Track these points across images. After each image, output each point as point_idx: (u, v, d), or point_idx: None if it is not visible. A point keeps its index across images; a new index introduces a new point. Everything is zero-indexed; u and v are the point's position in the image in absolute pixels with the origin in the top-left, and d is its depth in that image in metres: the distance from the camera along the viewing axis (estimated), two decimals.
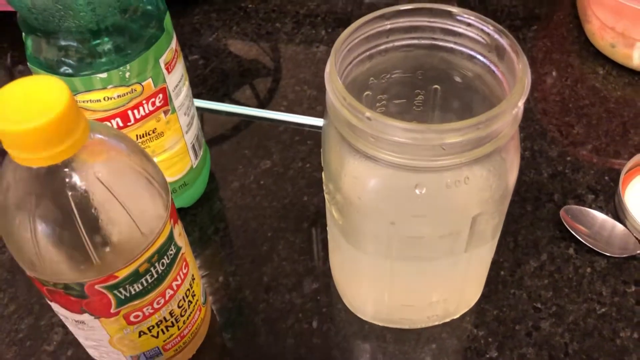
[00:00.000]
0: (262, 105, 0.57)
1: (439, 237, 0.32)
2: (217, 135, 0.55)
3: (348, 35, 0.32)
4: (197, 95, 0.58)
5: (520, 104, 0.29)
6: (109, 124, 0.38)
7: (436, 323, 0.40)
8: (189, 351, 0.39)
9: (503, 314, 0.42)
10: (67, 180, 0.27)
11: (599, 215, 0.46)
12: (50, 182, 0.27)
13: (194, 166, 0.46)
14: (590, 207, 0.47)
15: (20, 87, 0.26)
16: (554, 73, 0.59)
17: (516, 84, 0.29)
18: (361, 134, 0.29)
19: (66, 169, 0.27)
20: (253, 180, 0.51)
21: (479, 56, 0.33)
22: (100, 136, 0.29)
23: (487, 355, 0.40)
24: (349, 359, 0.40)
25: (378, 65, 0.35)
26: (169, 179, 0.44)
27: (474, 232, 0.33)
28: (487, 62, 0.33)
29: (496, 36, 0.31)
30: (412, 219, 0.31)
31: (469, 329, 0.41)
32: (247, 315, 0.43)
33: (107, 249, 0.29)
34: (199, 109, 0.57)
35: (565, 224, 0.46)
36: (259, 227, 0.48)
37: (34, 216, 0.28)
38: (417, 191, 0.30)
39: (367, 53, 0.34)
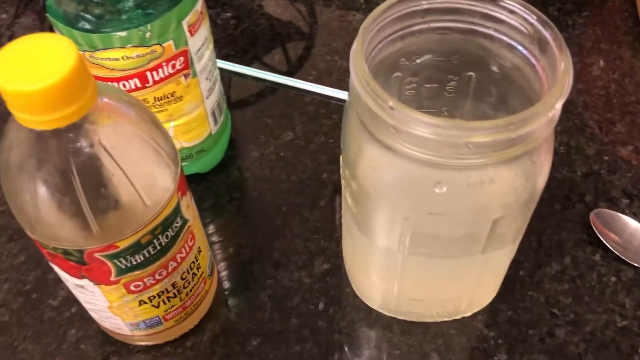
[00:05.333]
0: (290, 72, 0.55)
1: (455, 237, 0.31)
2: (240, 100, 0.53)
3: (380, 13, 0.30)
4: (225, 56, 0.57)
5: (558, 106, 0.26)
6: (126, 83, 0.37)
7: (445, 319, 0.39)
8: (190, 322, 0.39)
9: (517, 316, 0.40)
10: (70, 145, 0.26)
11: (632, 223, 0.44)
12: (53, 146, 0.26)
13: (213, 132, 0.44)
14: (623, 212, 0.45)
15: (27, 44, 0.25)
16: (601, 64, 0.55)
17: (556, 83, 0.26)
18: (382, 124, 0.27)
19: (70, 134, 0.26)
20: (273, 151, 0.49)
21: (519, 47, 0.31)
22: (108, 100, 0.28)
23: (496, 358, 0.38)
24: (352, 346, 0.39)
25: (410, 47, 0.33)
26: (186, 144, 0.43)
27: (494, 234, 0.31)
28: (528, 54, 0.30)
29: (540, 27, 0.29)
30: (428, 216, 0.30)
31: (479, 328, 0.40)
32: (254, 290, 0.42)
33: (108, 219, 0.28)
34: (225, 71, 0.55)
35: (594, 228, 0.43)
36: (274, 200, 0.46)
37: (34, 179, 0.27)
38: (437, 189, 0.28)
39: (400, 33, 0.32)
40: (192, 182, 0.47)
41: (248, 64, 0.56)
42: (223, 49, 0.57)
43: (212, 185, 0.47)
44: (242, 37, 0.59)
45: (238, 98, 0.54)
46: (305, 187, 0.47)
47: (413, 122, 0.26)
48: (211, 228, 0.46)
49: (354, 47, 0.29)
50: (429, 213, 0.29)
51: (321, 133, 0.50)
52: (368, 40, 0.29)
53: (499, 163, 0.27)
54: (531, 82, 0.31)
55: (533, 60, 0.30)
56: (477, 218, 0.30)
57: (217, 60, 0.54)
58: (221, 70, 0.54)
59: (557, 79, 0.27)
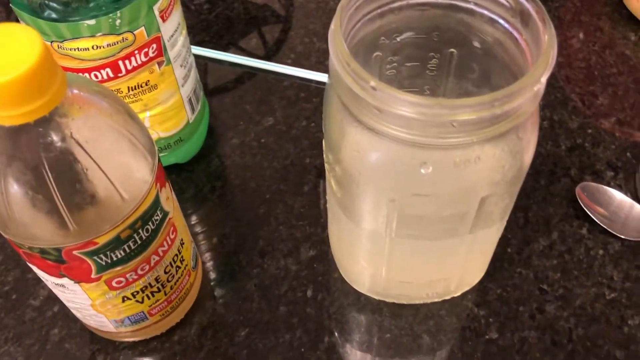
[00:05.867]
0: (268, 56, 0.54)
1: (442, 217, 0.30)
2: (218, 87, 0.52)
3: None
4: (199, 42, 0.55)
5: (544, 80, 0.26)
6: (98, 74, 0.36)
7: (435, 300, 0.39)
8: (176, 315, 0.38)
9: (507, 293, 0.40)
10: (40, 140, 0.25)
11: (617, 195, 0.43)
12: (23, 142, 0.25)
13: (191, 121, 0.43)
14: (608, 184, 0.45)
15: None
16: (581, 37, 0.55)
17: (540, 56, 0.26)
18: (364, 105, 0.26)
19: (40, 129, 0.25)
20: (254, 138, 0.48)
21: (501, 20, 0.30)
22: (79, 92, 0.26)
23: (487, 337, 0.38)
24: (342, 331, 0.39)
25: (390, 24, 0.32)
26: (163, 134, 0.42)
27: (481, 213, 0.30)
28: (510, 28, 0.29)
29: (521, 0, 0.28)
30: (415, 197, 0.29)
31: (469, 307, 0.39)
32: (240, 280, 0.41)
33: (85, 215, 0.27)
34: (201, 57, 0.54)
35: (580, 202, 0.43)
36: (257, 187, 0.46)
37: (5, 177, 0.26)
38: (423, 170, 0.27)
39: (379, 10, 0.31)
40: (172, 173, 0.46)
41: (224, 49, 0.55)
42: (197, 35, 0.56)
43: (192, 175, 0.46)
44: (216, 22, 0.57)
45: (215, 85, 0.52)
46: (288, 174, 0.46)
47: (396, 102, 0.25)
48: (194, 219, 0.45)
49: (332, 26, 0.28)
50: (415, 194, 0.29)
51: (302, 117, 0.49)
52: (346, 19, 0.28)
53: (484, 141, 0.26)
54: (514, 57, 0.30)
55: (515, 34, 0.29)
56: (464, 197, 0.29)
57: (192, 46, 0.53)
58: (196, 57, 0.53)
59: (541, 52, 0.26)
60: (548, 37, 0.26)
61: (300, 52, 0.54)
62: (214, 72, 0.53)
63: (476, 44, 0.32)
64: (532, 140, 0.29)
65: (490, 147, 0.27)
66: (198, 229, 0.44)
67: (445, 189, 0.29)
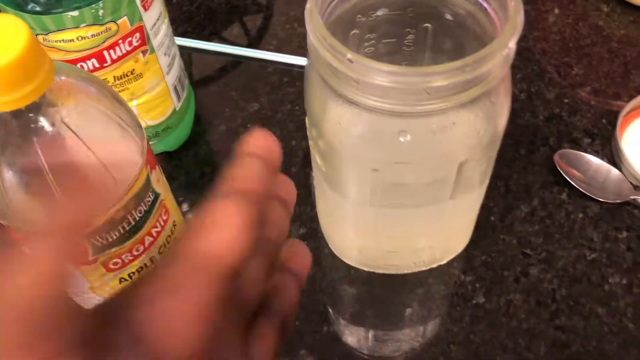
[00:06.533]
0: (251, 44, 0.55)
1: (423, 184, 0.31)
2: (203, 76, 0.53)
3: None
4: (182, 33, 0.56)
5: (512, 45, 0.27)
6: (84, 65, 0.37)
7: (422, 269, 0.40)
8: None
9: (492, 259, 0.41)
10: (32, 125, 0.26)
11: (594, 160, 0.45)
12: (15, 128, 0.26)
13: (177, 109, 0.44)
14: (585, 151, 0.46)
15: None
16: (555, 10, 0.56)
17: (507, 22, 0.27)
18: (342, 77, 0.27)
19: (31, 114, 0.26)
20: (240, 124, 0.49)
21: None
22: (66, 79, 0.27)
23: (474, 301, 0.40)
24: (335, 304, 0.40)
25: (365, 1, 0.33)
26: (150, 123, 0.43)
27: (461, 178, 0.31)
28: None
29: None
30: (396, 165, 0.30)
31: (456, 274, 0.41)
32: None
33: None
34: (184, 48, 0.54)
35: (559, 169, 0.44)
36: None
37: None
38: (401, 138, 0.29)
39: None
40: (162, 161, 0.47)
41: (207, 39, 0.55)
42: (180, 26, 0.57)
43: (182, 162, 0.47)
44: (198, 12, 0.58)
45: (200, 74, 0.53)
46: None
47: (372, 72, 0.26)
48: (185, 206, 0.46)
49: (308, 5, 0.29)
50: (396, 162, 0.30)
51: (286, 101, 0.50)
52: None
53: (459, 106, 0.28)
54: (485, 27, 0.31)
55: (485, 5, 0.31)
56: (442, 163, 0.30)
57: (176, 37, 0.54)
58: (181, 47, 0.54)
59: (508, 19, 0.27)
60: (514, 4, 0.27)
61: (282, 38, 0.55)
62: (199, 62, 0.54)
63: (449, 17, 0.33)
64: (505, 104, 0.30)
65: (465, 113, 0.28)
66: (190, 215, 0.45)
67: (424, 155, 0.30)
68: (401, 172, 0.31)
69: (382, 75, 0.26)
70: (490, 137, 0.30)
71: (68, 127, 0.27)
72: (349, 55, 0.26)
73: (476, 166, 0.32)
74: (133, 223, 0.31)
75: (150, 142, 0.44)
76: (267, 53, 0.53)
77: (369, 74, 0.26)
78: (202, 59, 0.54)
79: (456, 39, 0.35)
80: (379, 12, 0.34)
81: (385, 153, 0.30)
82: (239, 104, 0.50)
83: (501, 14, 0.29)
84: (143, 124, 0.42)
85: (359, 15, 0.34)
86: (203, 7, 0.59)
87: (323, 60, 0.28)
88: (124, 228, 0.31)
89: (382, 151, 0.30)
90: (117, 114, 0.29)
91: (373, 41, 0.36)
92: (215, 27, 0.57)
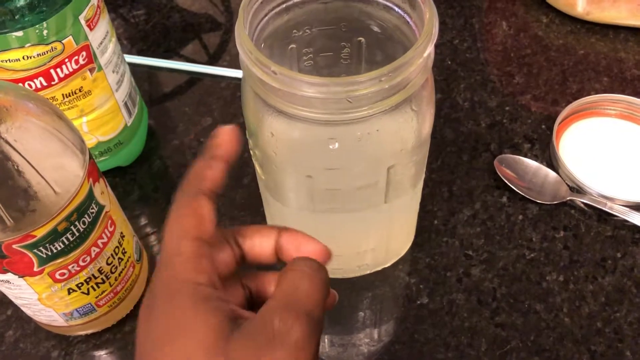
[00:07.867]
0: (206, 61, 0.57)
1: (356, 189, 0.33)
2: (157, 93, 0.54)
3: None
4: (139, 51, 0.57)
5: (427, 53, 0.29)
6: (32, 83, 0.38)
7: (367, 272, 0.41)
8: (125, 307, 0.40)
9: (435, 261, 0.43)
10: None
11: (532, 164, 0.47)
12: None
13: (129, 124, 0.45)
14: (526, 155, 0.48)
15: None
16: (498, 22, 0.59)
17: (423, 31, 0.29)
18: (271, 89, 0.29)
19: None
20: (193, 138, 0.51)
21: (394, 7, 0.33)
22: (5, 96, 0.29)
23: (419, 302, 0.41)
24: None
25: (298, 18, 0.35)
26: (102, 138, 0.44)
27: (391, 182, 0.33)
28: (402, 13, 0.33)
29: None
30: (328, 171, 0.32)
31: (401, 276, 0.42)
32: None
33: (20, 209, 0.29)
34: (140, 66, 0.56)
35: (499, 173, 0.46)
36: None
37: None
38: (330, 145, 0.30)
39: (284, 5, 0.34)
40: (116, 176, 0.48)
41: (163, 57, 0.57)
42: (136, 44, 0.58)
43: (136, 177, 0.49)
44: (153, 31, 0.60)
45: (155, 90, 0.55)
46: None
47: (296, 84, 0.28)
48: (142, 220, 0.47)
49: (238, 20, 0.30)
50: (327, 169, 0.32)
51: (239, 115, 0.52)
52: (250, 15, 0.31)
53: (382, 113, 0.29)
54: (410, 38, 0.33)
55: (407, 18, 0.32)
56: (371, 168, 0.32)
57: (132, 55, 0.55)
58: (136, 65, 0.55)
59: (424, 29, 0.29)
60: (429, 14, 0.29)
61: (236, 54, 0.57)
62: (154, 79, 0.56)
63: (378, 30, 0.35)
64: (428, 111, 0.32)
65: (388, 120, 0.30)
66: (148, 229, 0.46)
67: (353, 161, 0.31)
68: (334, 178, 0.32)
69: (305, 86, 0.28)
70: (414, 143, 0.32)
71: (7, 142, 0.28)
72: (274, 68, 0.28)
73: (405, 171, 0.33)
74: (77, 234, 0.32)
75: (103, 158, 0.45)
76: (220, 69, 0.55)
77: (293, 85, 0.28)
78: (157, 75, 0.56)
79: (387, 51, 0.36)
80: (314, 28, 0.36)
81: (316, 160, 0.32)
82: (192, 119, 0.52)
83: (420, 25, 0.31)
84: (94, 140, 0.43)
85: (294, 31, 0.36)
86: (158, 26, 0.60)
87: (252, 73, 0.29)
88: (68, 239, 0.32)
89: (313, 158, 0.32)
90: (58, 129, 0.30)
91: (311, 55, 0.38)
92: (170, 44, 0.58)
